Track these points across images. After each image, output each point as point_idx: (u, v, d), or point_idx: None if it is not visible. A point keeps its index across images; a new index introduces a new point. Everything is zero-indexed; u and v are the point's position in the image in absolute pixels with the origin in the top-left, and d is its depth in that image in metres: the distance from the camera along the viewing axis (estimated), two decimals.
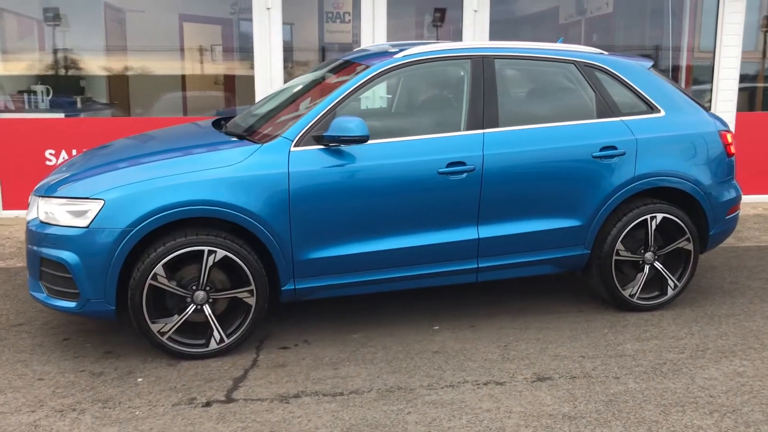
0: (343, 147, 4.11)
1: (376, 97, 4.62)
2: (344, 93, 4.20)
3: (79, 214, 3.86)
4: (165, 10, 9.14)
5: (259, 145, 4.08)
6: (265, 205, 3.97)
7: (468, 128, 4.35)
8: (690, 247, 4.74)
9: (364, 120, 4.08)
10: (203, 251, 3.91)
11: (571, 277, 5.37)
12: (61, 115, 7.45)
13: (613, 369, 3.92)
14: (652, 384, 3.74)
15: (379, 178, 4.16)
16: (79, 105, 7.95)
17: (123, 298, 3.95)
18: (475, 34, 7.19)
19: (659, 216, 4.63)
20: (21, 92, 7.68)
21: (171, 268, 3.95)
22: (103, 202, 3.83)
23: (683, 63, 9.02)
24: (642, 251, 4.68)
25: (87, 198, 3.87)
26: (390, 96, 4.98)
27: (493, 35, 7.53)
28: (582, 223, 4.52)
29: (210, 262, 3.94)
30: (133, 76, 8.63)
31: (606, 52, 4.82)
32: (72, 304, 3.92)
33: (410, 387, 3.71)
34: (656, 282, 4.77)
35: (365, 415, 3.41)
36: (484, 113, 4.36)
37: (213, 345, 4.04)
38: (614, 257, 4.61)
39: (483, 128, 4.35)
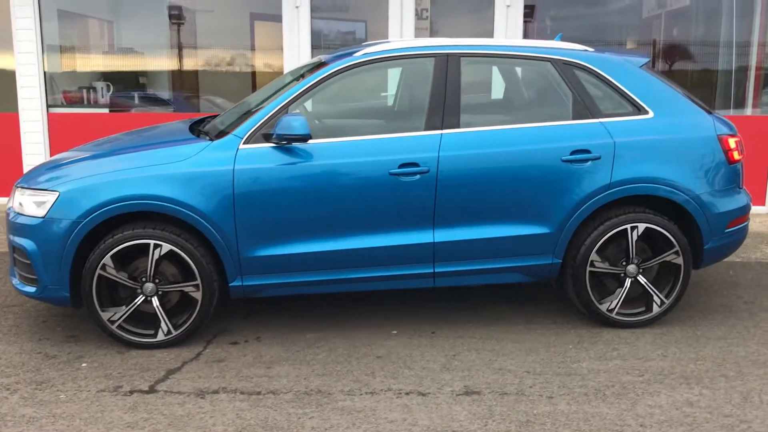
0: (294, 145, 4.09)
1: (342, 96, 4.56)
2: (297, 92, 4.18)
3: (39, 204, 4.08)
4: (235, 9, 9.43)
5: (209, 142, 4.15)
6: (209, 201, 4.02)
7: (427, 129, 4.20)
8: (679, 261, 4.35)
9: (323, 119, 4.04)
10: (149, 244, 4.04)
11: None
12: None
13: (552, 388, 3.67)
14: (585, 407, 3.46)
15: (327, 177, 4.10)
16: (136, 100, 8.40)
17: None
18: (507, 30, 6.93)
19: (641, 226, 4.27)
20: (81, 88, 8.21)
21: (124, 260, 4.10)
22: (58, 194, 4.03)
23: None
24: (624, 263, 4.35)
25: (46, 190, 4.09)
26: (352, 95, 4.89)
27: (563, 34, 7.21)
28: (550, 231, 4.25)
29: (156, 256, 4.05)
30: (203, 72, 9.00)
31: (591, 49, 4.50)
32: (33, 290, 4.16)
33: (330, 391, 3.65)
34: (642, 297, 4.42)
35: (267, 417, 3.39)
36: (444, 113, 4.20)
37: (161, 336, 4.15)
38: (588, 268, 4.30)
39: (442, 129, 4.19)
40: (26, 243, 4.08)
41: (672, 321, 4.55)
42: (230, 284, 4.17)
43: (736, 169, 4.44)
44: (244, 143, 4.10)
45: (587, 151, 4.21)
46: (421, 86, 4.34)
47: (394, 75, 4.53)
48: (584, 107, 4.30)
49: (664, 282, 4.43)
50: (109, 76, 8.32)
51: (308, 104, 4.26)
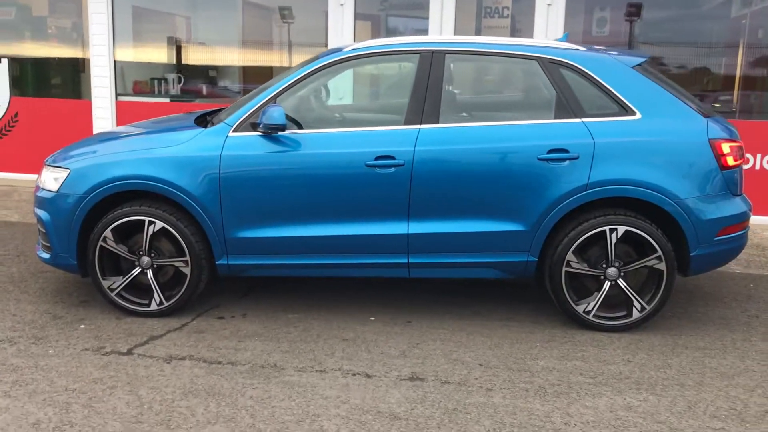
0: (279, 135, 4.33)
1: (333, 89, 4.75)
2: (285, 84, 4.41)
3: (55, 180, 4.54)
4: (313, 6, 9.81)
5: (202, 129, 4.46)
6: (198, 184, 4.33)
7: (406, 123, 4.32)
8: (662, 267, 4.24)
9: (310, 111, 4.26)
10: (144, 221, 4.40)
11: None
12: None
13: (496, 381, 3.71)
14: (518, 402, 3.50)
15: (307, 166, 4.31)
16: (204, 92, 8.94)
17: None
18: (548, 29, 6.86)
19: (621, 229, 4.20)
20: (153, 79, 8.84)
21: (125, 234, 4.49)
22: (69, 171, 4.48)
23: None
24: (603, 266, 4.29)
25: (61, 167, 4.55)
26: (339, 88, 5.06)
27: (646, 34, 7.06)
28: (525, 229, 4.26)
29: (150, 232, 4.41)
30: (277, 68, 9.46)
31: (583, 48, 4.45)
32: (47, 256, 4.63)
33: (284, 366, 3.86)
34: (625, 302, 4.34)
35: (215, 384, 3.65)
36: (424, 109, 4.31)
37: (154, 306, 4.51)
38: (564, 268, 4.28)
39: (421, 124, 4.30)
40: (43, 214, 4.56)
41: (656, 328, 4.44)
42: (217, 262, 4.47)
43: (730, 174, 4.27)
44: (233, 131, 4.38)
45: (565, 151, 4.19)
46: (405, 82, 4.47)
47: (380, 70, 4.67)
48: (567, 106, 4.28)
49: (648, 287, 4.34)
50: (180, 68, 8.91)
51: (297, 96, 4.48)
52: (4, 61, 8.31)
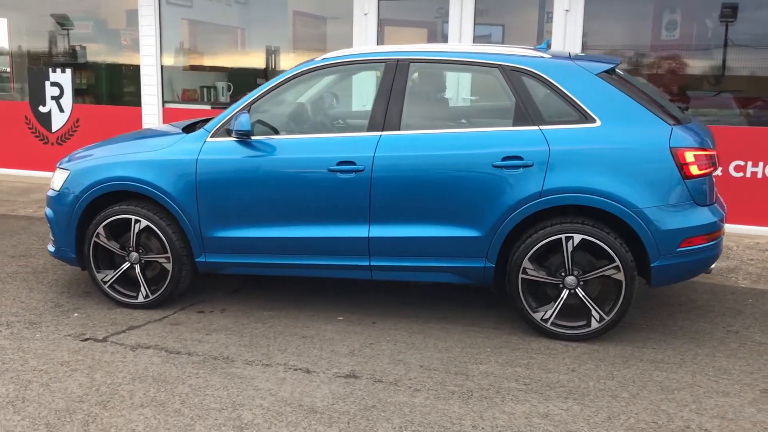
0: (251, 140, 4.58)
1: (305, 96, 4.96)
2: (260, 92, 4.66)
3: (59, 180, 4.99)
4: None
5: (185, 134, 4.77)
6: (177, 185, 4.65)
7: (369, 130, 4.47)
8: (620, 276, 4.17)
9: (284, 117, 4.50)
10: (131, 220, 4.76)
11: None
12: None
13: (427, 383, 3.79)
14: (438, 404, 3.56)
15: (274, 170, 4.54)
16: None
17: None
18: (566, 35, 6.79)
19: (576, 237, 4.17)
20: (202, 87, 9.35)
21: (118, 232, 4.87)
22: (69, 172, 4.91)
23: None
24: (562, 274, 4.27)
25: (65, 169, 4.99)
26: (313, 96, 5.22)
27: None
28: (481, 235, 4.31)
29: (137, 229, 4.77)
30: None
31: (547, 55, 4.43)
32: (52, 249, 5.09)
33: (234, 359, 4.10)
34: (584, 311, 4.30)
35: (165, 371, 3.93)
36: (386, 116, 4.43)
37: (141, 299, 4.86)
38: (521, 275, 4.29)
39: (382, 131, 4.43)
40: (48, 211, 5.02)
41: (621, 339, 4.36)
42: (195, 260, 4.77)
43: (695, 184, 4.14)
44: (211, 137, 4.67)
45: (519, 158, 4.21)
46: (370, 89, 4.60)
47: (349, 78, 4.83)
48: (526, 114, 4.29)
49: (609, 297, 4.27)
50: (230, 77, 9.38)
51: (272, 103, 4.72)
52: (68, 70, 9.05)
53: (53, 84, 9.06)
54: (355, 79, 4.88)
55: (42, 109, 9.15)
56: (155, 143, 4.82)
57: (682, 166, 4.11)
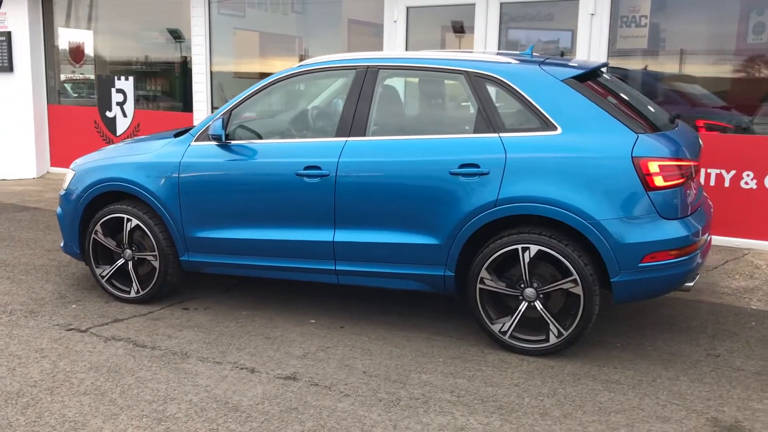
0: (230, 144, 4.75)
1: (279, 102, 5.05)
2: (241, 97, 4.81)
3: (67, 180, 5.35)
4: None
5: (172, 138, 5.00)
6: (162, 187, 4.88)
7: (337, 135, 4.51)
8: (578, 291, 4.00)
9: (263, 121, 4.65)
10: (124, 218, 5.04)
11: None
12: None
13: (360, 389, 3.79)
14: (360, 410, 3.56)
15: (247, 173, 4.67)
16: None
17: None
18: (591, 40, 6.54)
19: (533, 248, 4.04)
20: None
21: (115, 230, 5.16)
22: (75, 173, 5.26)
23: None
24: (522, 286, 4.14)
25: (72, 170, 5.35)
26: (290, 101, 5.27)
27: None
28: (439, 243, 4.25)
29: (128, 228, 5.04)
30: None
31: (515, 61, 4.31)
32: (62, 244, 5.46)
33: (190, 355, 4.25)
34: (544, 325, 4.16)
35: (121, 362, 4.13)
36: (353, 122, 4.46)
37: (133, 294, 5.13)
38: (478, 285, 4.20)
39: (348, 136, 4.46)
40: (58, 208, 5.39)
41: (584, 356, 4.18)
42: (180, 258, 4.98)
43: (660, 196, 3.90)
44: (195, 140, 4.87)
45: (476, 166, 4.12)
46: (340, 96, 4.65)
47: (325, 84, 4.89)
48: (487, 121, 4.20)
49: (570, 312, 4.10)
50: None
51: (253, 108, 4.87)
52: (131, 78, 9.64)
53: (118, 91, 9.67)
54: (328, 84, 4.95)
55: (108, 114, 9.79)
56: (148, 146, 5.08)
57: (644, 177, 3.89)
